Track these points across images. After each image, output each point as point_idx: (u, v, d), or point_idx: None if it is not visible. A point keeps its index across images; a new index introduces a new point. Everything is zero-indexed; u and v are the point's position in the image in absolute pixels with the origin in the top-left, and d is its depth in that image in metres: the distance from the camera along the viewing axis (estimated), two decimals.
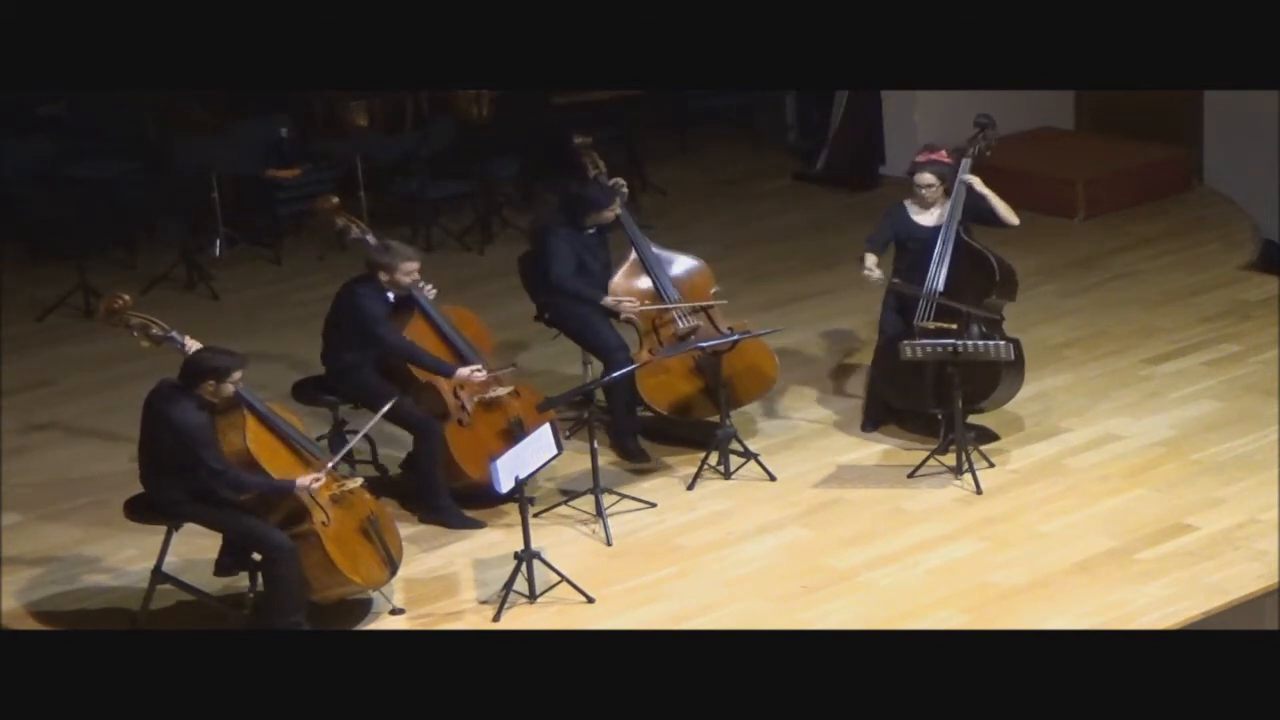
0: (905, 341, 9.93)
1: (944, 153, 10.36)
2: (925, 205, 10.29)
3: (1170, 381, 11.09)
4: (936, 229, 10.22)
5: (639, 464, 10.35)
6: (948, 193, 10.26)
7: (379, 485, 10.02)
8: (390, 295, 9.73)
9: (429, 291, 9.95)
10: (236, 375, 8.61)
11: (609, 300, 10.39)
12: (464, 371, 9.71)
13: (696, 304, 10.51)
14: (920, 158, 10.33)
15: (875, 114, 15.26)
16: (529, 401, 9.99)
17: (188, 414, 8.51)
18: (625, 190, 10.80)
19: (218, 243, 13.85)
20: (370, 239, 10.06)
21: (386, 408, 9.24)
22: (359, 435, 9.44)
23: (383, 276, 9.69)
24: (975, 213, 10.28)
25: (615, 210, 10.47)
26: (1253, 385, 10.94)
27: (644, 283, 10.53)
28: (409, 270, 9.70)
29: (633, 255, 10.57)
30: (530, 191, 14.87)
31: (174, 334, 9.07)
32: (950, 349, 9.78)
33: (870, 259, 10.22)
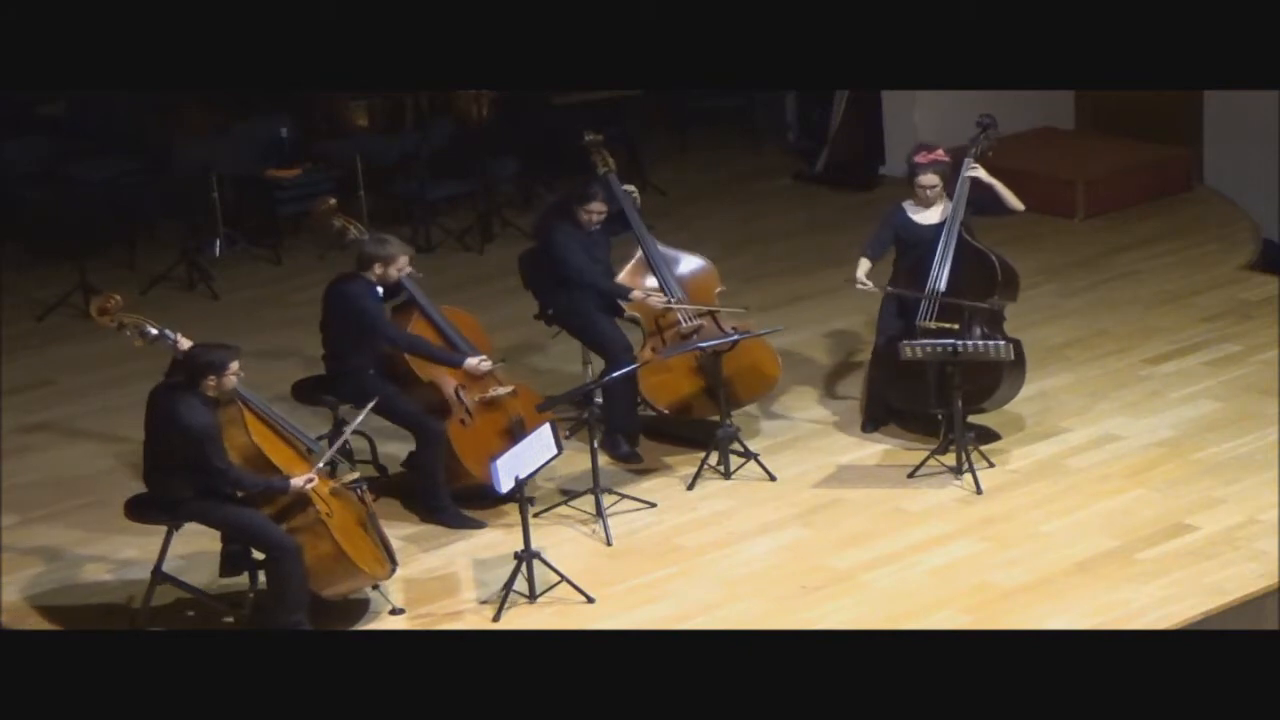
0: (905, 341, 9.93)
1: (941, 151, 10.37)
2: (926, 205, 10.29)
3: (1170, 381, 11.09)
4: (938, 227, 10.22)
5: (631, 465, 10.34)
6: (947, 191, 10.27)
7: (379, 485, 10.03)
8: (380, 290, 9.71)
9: (413, 274, 9.90)
10: (234, 366, 8.60)
11: (637, 294, 10.34)
12: (472, 361, 9.68)
13: (711, 308, 10.49)
14: (920, 158, 10.30)
15: (875, 114, 15.27)
16: (529, 401, 9.99)
17: (195, 412, 8.50)
18: (636, 195, 10.78)
19: (218, 243, 13.85)
20: (368, 239, 10.04)
21: (369, 407, 9.20)
22: (346, 433, 9.37)
23: (377, 270, 9.64)
24: (980, 205, 10.28)
25: (601, 204, 10.39)
26: (1253, 385, 10.94)
27: (649, 281, 10.51)
28: (403, 265, 9.68)
29: (638, 254, 10.57)
30: (530, 191, 14.87)
31: (167, 332, 9.07)
32: (950, 349, 9.78)
33: (863, 268, 10.24)
